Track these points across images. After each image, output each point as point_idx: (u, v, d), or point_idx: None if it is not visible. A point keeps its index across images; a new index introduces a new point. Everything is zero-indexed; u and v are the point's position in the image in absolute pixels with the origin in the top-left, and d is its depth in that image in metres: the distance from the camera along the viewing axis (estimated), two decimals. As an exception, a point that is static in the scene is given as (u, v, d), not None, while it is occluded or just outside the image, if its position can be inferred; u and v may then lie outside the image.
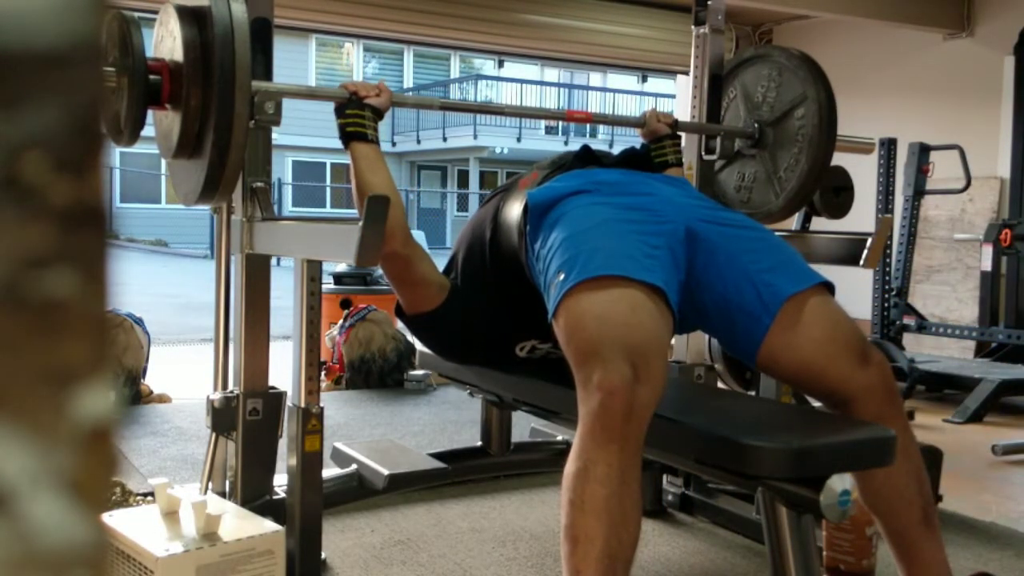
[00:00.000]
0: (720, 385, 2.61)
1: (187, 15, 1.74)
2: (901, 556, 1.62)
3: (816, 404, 1.88)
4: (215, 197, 1.83)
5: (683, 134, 2.38)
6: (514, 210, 1.80)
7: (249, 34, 1.72)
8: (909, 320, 4.69)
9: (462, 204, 21.91)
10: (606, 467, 1.32)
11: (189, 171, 1.84)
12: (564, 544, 1.33)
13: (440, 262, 2.00)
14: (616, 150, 2.00)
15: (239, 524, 1.69)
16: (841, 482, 1.36)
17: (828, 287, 1.63)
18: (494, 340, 1.95)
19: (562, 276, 1.52)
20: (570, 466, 1.35)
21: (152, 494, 1.83)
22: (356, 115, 1.87)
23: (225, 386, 2.07)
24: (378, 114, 1.90)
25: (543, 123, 20.60)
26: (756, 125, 2.43)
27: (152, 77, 1.73)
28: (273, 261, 2.13)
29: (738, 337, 1.63)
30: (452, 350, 2.06)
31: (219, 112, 1.69)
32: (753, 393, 2.14)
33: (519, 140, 20.03)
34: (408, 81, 21.22)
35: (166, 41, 1.79)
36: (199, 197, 1.81)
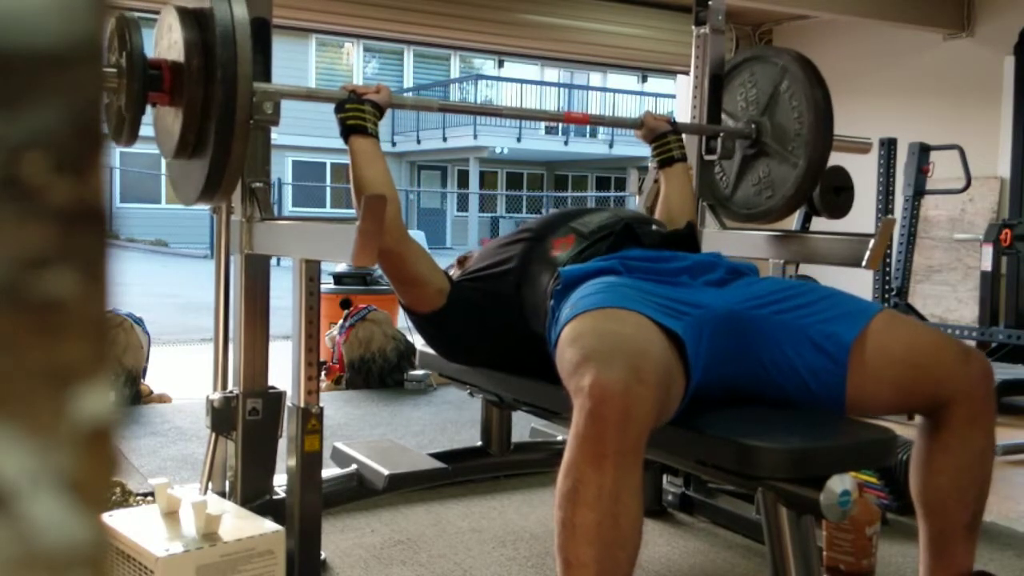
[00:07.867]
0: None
1: (188, 16, 1.74)
2: (934, 554, 1.57)
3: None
4: (215, 198, 1.84)
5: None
6: (543, 277, 1.77)
7: (251, 36, 1.72)
8: (909, 320, 4.69)
9: (462, 204, 21.89)
10: (597, 488, 1.20)
11: (189, 171, 1.84)
12: (558, 563, 1.25)
13: (441, 262, 1.99)
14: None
15: (239, 524, 1.69)
16: (841, 482, 1.36)
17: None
18: (498, 356, 1.95)
19: (570, 309, 1.48)
20: (560, 481, 1.23)
21: (152, 494, 1.83)
22: (356, 109, 1.87)
23: (225, 386, 2.07)
24: (378, 109, 1.90)
25: (543, 123, 20.60)
26: (753, 126, 2.47)
27: (152, 72, 1.73)
28: (273, 261, 2.13)
29: (820, 397, 1.56)
30: (452, 353, 2.06)
31: (220, 116, 1.69)
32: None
33: (519, 140, 20.03)
34: (408, 81, 21.22)
35: (166, 42, 1.79)
36: (199, 198, 1.82)
